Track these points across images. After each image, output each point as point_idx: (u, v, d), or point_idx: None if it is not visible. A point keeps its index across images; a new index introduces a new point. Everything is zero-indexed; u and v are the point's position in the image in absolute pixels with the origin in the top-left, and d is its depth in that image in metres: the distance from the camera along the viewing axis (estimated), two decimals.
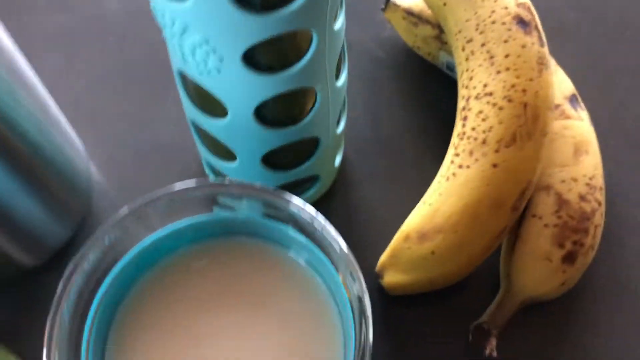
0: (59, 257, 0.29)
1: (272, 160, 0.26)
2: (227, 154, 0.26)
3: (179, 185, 0.20)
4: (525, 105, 0.27)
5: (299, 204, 0.19)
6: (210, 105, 0.23)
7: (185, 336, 0.20)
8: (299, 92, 0.22)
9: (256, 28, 0.18)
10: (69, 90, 0.34)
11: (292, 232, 0.21)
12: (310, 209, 0.20)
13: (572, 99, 0.30)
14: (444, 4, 0.30)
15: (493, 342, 0.27)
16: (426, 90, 0.35)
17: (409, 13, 0.34)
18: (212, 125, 0.24)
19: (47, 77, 0.30)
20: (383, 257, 0.28)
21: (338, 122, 0.28)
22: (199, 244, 0.21)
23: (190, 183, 0.20)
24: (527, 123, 0.27)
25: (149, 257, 0.21)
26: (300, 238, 0.21)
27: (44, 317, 0.27)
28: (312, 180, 0.29)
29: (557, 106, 0.30)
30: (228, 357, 0.19)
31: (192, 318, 0.20)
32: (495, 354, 0.27)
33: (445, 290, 0.28)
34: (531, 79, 0.27)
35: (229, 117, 0.22)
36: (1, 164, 0.23)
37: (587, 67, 0.35)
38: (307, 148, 0.26)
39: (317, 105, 0.23)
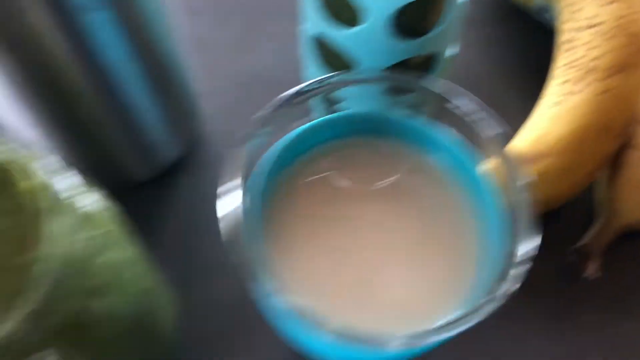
0: (168, 174, 0.30)
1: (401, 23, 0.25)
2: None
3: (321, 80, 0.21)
4: (635, 35, 0.28)
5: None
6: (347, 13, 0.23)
7: (334, 224, 0.20)
8: None
9: None
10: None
11: (430, 129, 0.21)
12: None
13: None
14: None
15: (593, 264, 0.28)
16: (515, 35, 0.36)
17: None
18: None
19: None
20: None
21: None
22: (335, 142, 0.22)
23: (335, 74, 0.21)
24: (637, 53, 0.27)
25: (289, 153, 0.22)
26: (441, 136, 0.21)
27: (154, 231, 0.28)
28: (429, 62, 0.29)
29: None
30: (372, 242, 0.20)
31: (337, 208, 0.21)
32: (595, 274, 0.27)
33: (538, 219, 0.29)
34: None
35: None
36: (140, 68, 0.24)
37: None
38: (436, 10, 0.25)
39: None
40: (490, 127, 0.20)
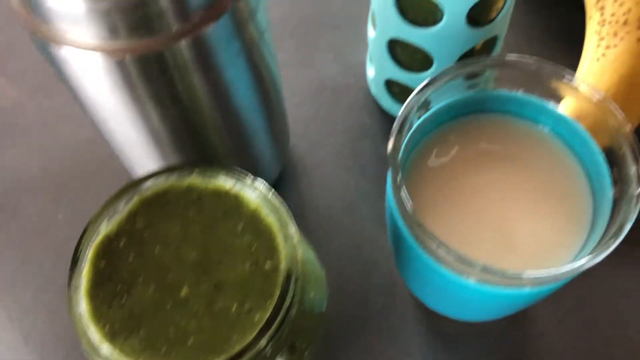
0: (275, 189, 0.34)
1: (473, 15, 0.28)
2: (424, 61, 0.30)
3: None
4: None
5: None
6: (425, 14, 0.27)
7: (464, 186, 0.24)
8: None
9: None
10: None
11: (528, 100, 0.25)
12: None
13: None
14: None
15: None
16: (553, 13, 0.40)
17: None
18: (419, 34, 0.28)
19: None
20: None
21: None
22: (463, 118, 0.25)
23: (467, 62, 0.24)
24: None
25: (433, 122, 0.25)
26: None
27: None
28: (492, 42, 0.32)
29: None
30: (502, 201, 0.24)
31: (466, 174, 0.25)
32: None
33: None
34: None
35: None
36: (257, 93, 0.27)
37: None
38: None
39: None
40: (568, 76, 0.24)
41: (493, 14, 0.28)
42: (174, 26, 0.20)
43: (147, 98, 0.23)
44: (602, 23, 0.33)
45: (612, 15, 0.32)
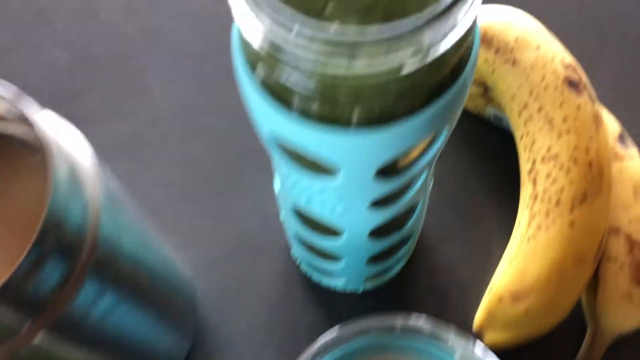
0: None
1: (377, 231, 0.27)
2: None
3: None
4: (590, 164, 0.29)
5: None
6: (326, 229, 0.25)
7: None
8: None
9: (389, 187, 0.20)
10: (145, 198, 0.35)
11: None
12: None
13: (621, 138, 0.33)
14: (493, 71, 0.32)
15: None
16: (477, 142, 0.37)
17: None
18: (324, 240, 0.26)
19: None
20: (479, 318, 0.30)
21: None
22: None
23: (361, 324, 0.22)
24: (595, 180, 0.29)
25: None
26: None
27: None
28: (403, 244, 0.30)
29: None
30: None
31: None
32: None
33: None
34: (591, 138, 0.29)
35: (343, 237, 0.24)
36: (132, 303, 0.25)
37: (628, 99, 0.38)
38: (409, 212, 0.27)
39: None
40: None
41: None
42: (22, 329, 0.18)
43: None
44: (534, 197, 0.30)
45: (544, 192, 0.30)
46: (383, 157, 0.18)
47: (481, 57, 0.32)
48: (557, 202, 0.29)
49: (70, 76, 0.39)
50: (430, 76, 0.16)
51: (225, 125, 0.37)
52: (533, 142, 0.31)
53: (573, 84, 0.30)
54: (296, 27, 0.14)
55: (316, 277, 0.32)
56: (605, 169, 0.30)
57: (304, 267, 0.33)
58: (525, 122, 0.31)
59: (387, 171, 0.19)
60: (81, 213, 0.19)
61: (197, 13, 0.41)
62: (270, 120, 0.18)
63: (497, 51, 0.32)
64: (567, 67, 0.31)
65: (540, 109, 0.30)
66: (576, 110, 0.30)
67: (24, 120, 0.20)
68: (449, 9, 0.14)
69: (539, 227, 0.29)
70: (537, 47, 0.31)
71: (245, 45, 0.17)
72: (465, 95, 0.18)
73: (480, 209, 0.35)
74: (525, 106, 0.31)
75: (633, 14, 0.41)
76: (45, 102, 0.24)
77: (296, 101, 0.16)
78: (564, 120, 0.30)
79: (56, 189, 0.18)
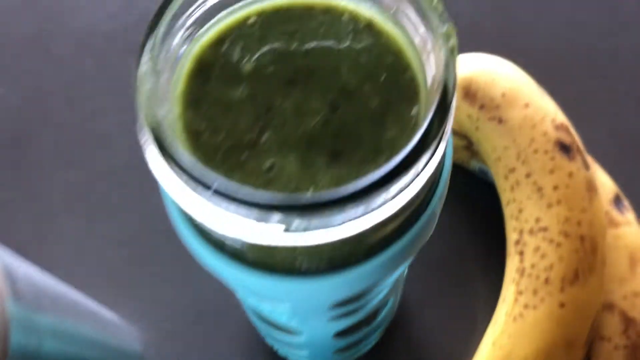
0: None
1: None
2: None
3: None
4: (582, 238, 0.27)
5: None
6: (286, 329, 0.22)
7: None
8: None
9: (351, 308, 0.17)
10: (94, 257, 0.32)
11: None
12: None
13: (617, 202, 0.30)
14: (477, 128, 0.29)
15: None
16: (462, 194, 0.34)
17: None
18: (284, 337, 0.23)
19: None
20: None
21: None
22: None
23: None
24: (587, 256, 0.26)
25: None
26: None
27: None
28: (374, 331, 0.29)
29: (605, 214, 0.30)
30: None
31: None
32: None
33: None
34: (583, 209, 0.27)
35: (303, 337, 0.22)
36: None
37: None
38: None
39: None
40: None
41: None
42: None
43: None
44: (521, 272, 0.27)
45: (532, 267, 0.27)
46: (335, 298, 0.15)
47: (464, 112, 0.30)
48: (546, 280, 0.27)
49: (19, 118, 0.36)
50: (384, 227, 0.13)
51: None
52: (520, 211, 0.28)
53: (565, 148, 0.28)
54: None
55: (283, 351, 0.30)
56: (599, 245, 0.27)
57: (269, 340, 0.30)
58: (512, 188, 0.28)
59: (344, 300, 0.16)
60: None
61: None
62: (202, 257, 0.15)
63: (481, 107, 0.29)
64: (558, 127, 0.28)
65: (528, 175, 0.28)
66: (568, 177, 0.27)
67: None
68: (403, 167, 0.11)
69: (525, 306, 0.27)
70: (526, 105, 0.28)
71: None
72: (431, 228, 0.15)
73: (465, 269, 0.33)
74: (512, 170, 0.28)
75: (630, 52, 0.38)
76: None
77: (229, 250, 0.13)
78: (555, 188, 0.27)
79: None
